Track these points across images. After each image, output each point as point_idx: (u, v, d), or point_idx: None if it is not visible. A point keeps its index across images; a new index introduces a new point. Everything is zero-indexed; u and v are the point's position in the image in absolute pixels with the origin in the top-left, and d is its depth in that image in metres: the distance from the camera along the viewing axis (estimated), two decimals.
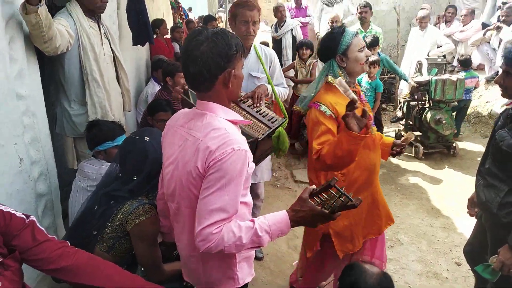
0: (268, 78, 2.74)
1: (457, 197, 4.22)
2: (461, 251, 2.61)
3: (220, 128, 1.39)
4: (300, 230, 3.54)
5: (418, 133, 5.51)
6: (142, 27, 3.87)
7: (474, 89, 6.08)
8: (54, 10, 2.71)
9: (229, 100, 1.53)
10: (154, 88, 4.27)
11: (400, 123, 6.23)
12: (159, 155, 1.78)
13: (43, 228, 1.53)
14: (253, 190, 2.99)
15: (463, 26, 7.25)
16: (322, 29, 7.46)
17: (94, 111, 2.77)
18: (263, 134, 2.18)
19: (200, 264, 1.56)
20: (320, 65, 5.96)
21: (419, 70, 6.01)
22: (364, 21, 5.92)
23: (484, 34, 6.44)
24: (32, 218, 1.50)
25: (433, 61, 6.16)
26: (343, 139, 1.81)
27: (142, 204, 1.82)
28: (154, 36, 4.89)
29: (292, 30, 6.50)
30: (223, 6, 16.31)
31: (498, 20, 6.54)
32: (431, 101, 5.32)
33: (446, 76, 5.25)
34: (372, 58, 4.88)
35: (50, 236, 1.53)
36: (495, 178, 2.05)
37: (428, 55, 6.38)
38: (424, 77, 5.50)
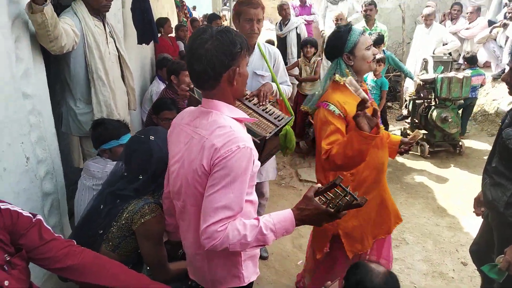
0: (273, 76, 2.74)
1: (463, 196, 4.20)
2: (467, 251, 2.59)
3: (226, 126, 1.39)
4: (305, 229, 3.54)
5: (423, 131, 5.47)
6: (147, 25, 3.88)
7: (480, 87, 6.04)
8: (59, 9, 2.72)
9: (234, 98, 1.54)
10: (158, 86, 4.28)
11: (405, 122, 6.20)
12: (164, 154, 1.79)
13: (49, 227, 1.54)
14: (258, 189, 2.99)
15: (469, 23, 7.19)
16: (326, 27, 7.43)
17: (99, 110, 2.78)
18: (270, 133, 2.17)
19: (206, 262, 1.56)
20: (325, 63, 5.96)
21: (424, 68, 5.98)
22: (369, 18, 5.89)
23: (491, 32, 6.40)
24: (39, 217, 1.51)
25: (439, 59, 6.13)
26: (354, 139, 1.79)
27: (147, 203, 1.83)
28: (159, 35, 4.90)
29: (296, 28, 6.47)
30: (227, 4, 16.28)
31: (505, 17, 6.49)
32: (437, 99, 5.28)
33: (452, 74, 5.22)
34: (378, 56, 4.86)
35: (56, 235, 1.54)
36: (502, 176, 2.03)
37: (433, 53, 6.34)
38: (430, 75, 5.46)
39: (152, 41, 4.29)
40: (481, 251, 2.39)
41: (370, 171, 2.09)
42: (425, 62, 6.04)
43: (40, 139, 2.34)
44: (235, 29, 1.60)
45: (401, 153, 2.35)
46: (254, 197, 1.55)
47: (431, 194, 4.46)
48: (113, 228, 1.83)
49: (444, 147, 5.45)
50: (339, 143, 1.90)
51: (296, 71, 5.56)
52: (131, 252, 1.88)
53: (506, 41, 6.19)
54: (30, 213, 1.49)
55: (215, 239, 1.34)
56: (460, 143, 5.37)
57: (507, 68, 2.01)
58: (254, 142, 2.11)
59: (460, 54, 7.50)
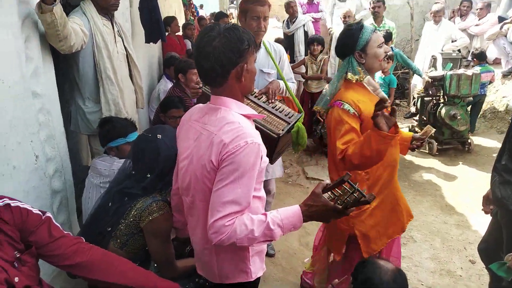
0: (280, 73, 2.74)
1: (471, 194, 4.16)
2: (475, 249, 2.58)
3: (234, 122, 1.41)
4: (312, 227, 3.55)
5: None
6: (154, 24, 3.90)
7: (489, 84, 5.98)
8: (68, 9, 2.75)
9: (243, 95, 1.55)
10: (166, 85, 4.30)
11: (413, 119, 6.15)
12: (172, 152, 1.81)
13: (58, 225, 1.56)
14: (265, 186, 2.99)
15: (479, 19, 7.11)
16: (334, 24, 7.39)
17: (108, 109, 2.80)
18: (282, 130, 2.17)
19: (214, 256, 1.57)
20: (333, 61, 5.94)
21: (433, 65, 5.92)
22: (377, 15, 5.86)
23: (501, 28, 6.32)
24: (48, 214, 1.53)
25: (448, 56, 6.06)
26: (372, 138, 1.76)
27: (155, 201, 1.85)
28: (166, 34, 4.92)
29: (304, 25, 6.46)
30: (234, 2, 16.28)
31: None
32: (445, 96, 5.23)
33: (461, 70, 5.17)
34: None
35: (65, 232, 1.56)
36: (511, 174, 2.01)
37: (442, 50, 6.28)
38: (439, 72, 5.42)
39: (160, 40, 4.31)
40: (490, 249, 2.37)
41: (384, 168, 2.07)
42: (434, 59, 5.99)
43: (49, 137, 2.37)
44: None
45: (413, 149, 2.33)
46: (262, 193, 1.57)
47: (439, 192, 4.43)
48: (121, 226, 1.85)
49: (452, 145, 5.41)
50: (355, 143, 1.88)
51: (302, 69, 5.54)
52: (138, 249, 1.89)
53: None
54: (39, 210, 1.51)
55: (223, 233, 1.35)
56: (469, 141, 5.32)
57: None
58: (270, 138, 2.12)
59: (469, 51, 7.41)
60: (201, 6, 13.98)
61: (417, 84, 6.41)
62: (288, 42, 6.47)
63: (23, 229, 1.42)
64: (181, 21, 7.16)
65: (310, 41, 5.35)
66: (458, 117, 5.04)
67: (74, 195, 2.65)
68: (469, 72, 5.05)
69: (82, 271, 1.54)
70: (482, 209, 2.39)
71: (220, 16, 6.97)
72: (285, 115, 2.31)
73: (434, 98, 5.43)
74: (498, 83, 6.55)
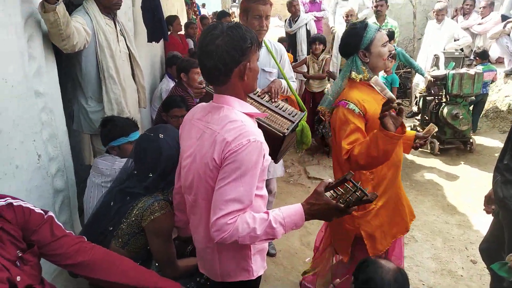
0: (282, 72, 2.74)
1: (473, 194, 4.15)
2: (477, 249, 2.57)
3: (237, 121, 1.41)
4: (313, 227, 3.55)
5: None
6: (156, 24, 3.89)
7: (491, 83, 5.96)
8: (71, 8, 2.75)
9: (245, 93, 1.55)
10: (168, 84, 4.30)
11: (415, 118, 6.14)
12: (174, 152, 1.81)
13: (60, 224, 1.56)
14: (266, 185, 2.97)
15: (482, 18, 7.08)
16: (337, 23, 7.38)
17: (110, 108, 2.81)
18: (288, 129, 2.18)
19: (216, 255, 1.58)
20: (335, 60, 5.93)
21: (436, 64, 5.91)
22: (379, 14, 5.84)
23: (504, 27, 6.28)
24: (51, 213, 1.54)
25: (450, 55, 6.04)
26: (379, 139, 1.75)
27: (157, 200, 1.85)
28: (168, 33, 4.92)
29: (306, 24, 6.45)
30: (236, 1, 16.27)
31: None
32: (448, 96, 5.22)
33: (463, 70, 5.15)
34: None
35: (67, 231, 1.57)
36: None
37: (444, 49, 6.26)
38: (441, 71, 5.40)
39: (162, 39, 4.31)
40: (491, 249, 2.36)
41: (388, 168, 2.06)
42: (436, 58, 5.97)
43: (51, 136, 2.38)
44: None
45: (416, 148, 2.32)
46: (264, 191, 1.57)
47: (440, 191, 4.43)
48: (123, 225, 1.86)
49: (454, 144, 5.40)
50: (361, 143, 1.87)
51: (304, 68, 5.53)
52: (140, 248, 1.90)
53: None
54: (42, 209, 1.52)
55: (225, 231, 1.36)
56: (471, 140, 5.31)
57: None
58: (276, 137, 2.12)
59: (472, 50, 7.39)
60: (203, 5, 13.97)
61: (419, 83, 6.39)
62: (290, 41, 6.46)
63: (26, 228, 1.43)
64: (183, 20, 7.16)
65: (311, 40, 5.34)
66: (460, 117, 5.02)
67: (76, 194, 2.66)
68: (472, 71, 5.04)
69: (84, 270, 1.55)
70: (484, 209, 2.38)
71: (222, 15, 6.96)
72: (289, 114, 2.31)
73: (436, 97, 5.41)
74: (500, 82, 6.52)
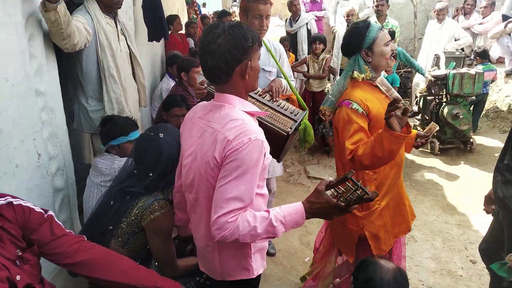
0: (282, 72, 2.73)
1: (473, 194, 4.16)
2: (476, 249, 2.57)
3: (238, 119, 1.42)
4: (313, 226, 3.56)
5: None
6: (157, 23, 3.90)
7: (491, 82, 5.95)
8: (72, 7, 2.75)
9: (247, 92, 1.56)
10: (168, 83, 4.30)
11: (416, 118, 6.14)
12: (174, 151, 1.81)
13: (60, 223, 1.57)
14: (265, 185, 2.99)
15: (483, 18, 7.07)
16: (337, 23, 7.37)
17: (111, 107, 2.81)
18: (291, 128, 2.18)
19: (216, 253, 1.58)
20: (335, 59, 5.92)
21: (436, 63, 5.91)
22: (380, 14, 5.83)
23: (505, 27, 6.28)
24: (50, 212, 1.54)
25: (451, 55, 6.04)
26: (384, 139, 1.74)
27: (157, 200, 1.85)
28: (169, 32, 4.92)
29: (307, 24, 6.44)
30: (237, 0, 16.26)
31: None
32: (448, 96, 5.22)
33: (464, 69, 5.15)
34: None
35: (67, 230, 1.57)
36: None
37: (445, 49, 6.26)
38: (442, 71, 5.40)
39: (163, 38, 4.31)
40: (491, 249, 2.36)
41: (391, 168, 2.05)
42: (437, 58, 5.97)
43: (52, 135, 2.38)
44: None
45: (417, 147, 2.32)
46: (264, 190, 1.58)
47: (440, 191, 4.43)
48: (123, 224, 1.86)
49: (454, 144, 5.40)
50: (365, 143, 1.85)
51: (304, 67, 5.53)
52: (140, 248, 1.90)
53: None
54: (41, 208, 1.52)
55: (226, 230, 1.36)
56: (471, 140, 5.31)
57: None
58: (280, 136, 2.12)
59: (472, 50, 7.38)
60: (204, 5, 13.97)
61: (419, 83, 6.39)
62: (291, 40, 6.46)
63: (25, 227, 1.43)
64: (184, 19, 7.16)
65: (312, 40, 5.34)
66: (461, 116, 5.03)
67: (76, 193, 2.66)
68: (472, 71, 5.04)
69: (83, 270, 1.55)
70: (484, 209, 2.38)
71: (223, 14, 6.96)
72: (291, 113, 2.31)
73: (437, 97, 5.41)
74: (501, 82, 6.52)
